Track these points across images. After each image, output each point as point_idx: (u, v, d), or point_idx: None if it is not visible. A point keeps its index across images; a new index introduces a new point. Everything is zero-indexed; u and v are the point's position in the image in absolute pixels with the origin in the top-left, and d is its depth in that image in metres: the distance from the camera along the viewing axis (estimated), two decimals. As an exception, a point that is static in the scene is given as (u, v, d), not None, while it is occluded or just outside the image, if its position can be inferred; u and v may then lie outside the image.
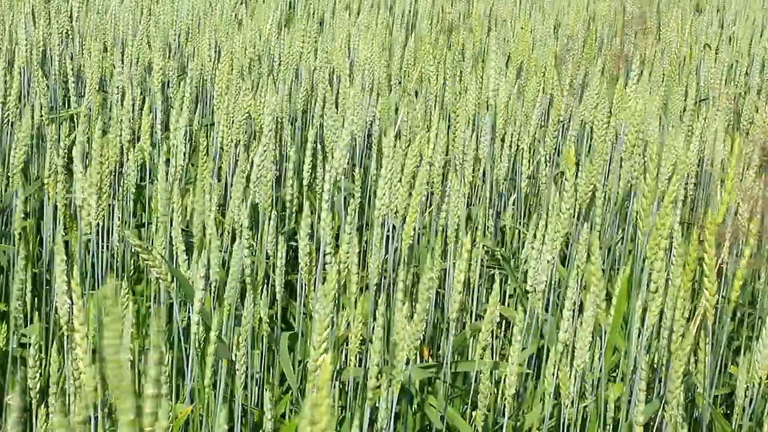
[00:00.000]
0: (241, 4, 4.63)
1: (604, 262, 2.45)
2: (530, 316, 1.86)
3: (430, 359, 2.12)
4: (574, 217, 2.58)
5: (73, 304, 1.13)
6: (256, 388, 1.89)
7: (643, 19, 3.98)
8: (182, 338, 1.71)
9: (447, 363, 1.62)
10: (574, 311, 1.38)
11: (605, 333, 1.45)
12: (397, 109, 3.16)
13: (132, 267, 2.29)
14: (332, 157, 2.09)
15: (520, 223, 2.76)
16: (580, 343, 1.30)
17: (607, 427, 1.53)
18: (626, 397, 1.37)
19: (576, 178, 3.09)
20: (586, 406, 1.65)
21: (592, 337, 1.59)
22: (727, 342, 2.21)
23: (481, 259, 2.25)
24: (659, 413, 1.46)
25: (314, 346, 1.14)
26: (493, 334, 2.10)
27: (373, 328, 1.31)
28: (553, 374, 1.45)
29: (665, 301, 1.38)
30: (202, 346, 1.73)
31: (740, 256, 1.29)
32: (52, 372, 1.41)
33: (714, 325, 1.76)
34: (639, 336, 1.22)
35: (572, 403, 1.64)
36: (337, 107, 2.85)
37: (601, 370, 1.40)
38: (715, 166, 2.44)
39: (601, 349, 1.64)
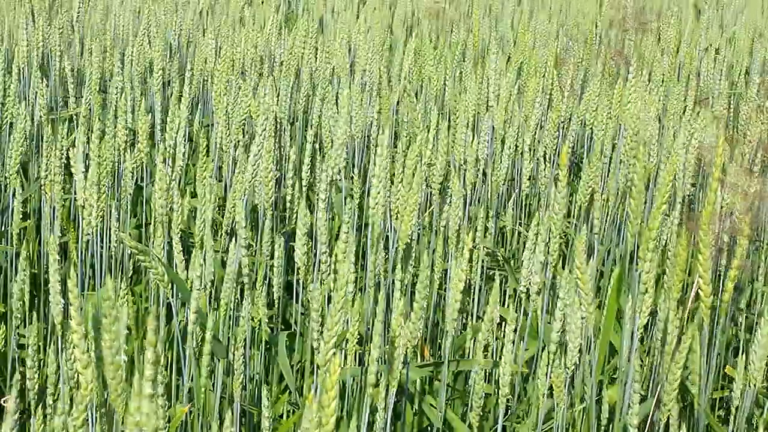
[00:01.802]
0: (249, 5, 4.64)
1: (603, 263, 2.45)
2: (524, 317, 1.86)
3: (431, 359, 2.12)
4: (573, 218, 2.59)
5: (68, 304, 1.13)
6: (256, 388, 1.90)
7: (644, 18, 3.97)
8: (180, 338, 1.71)
9: (446, 363, 1.62)
10: (565, 312, 1.38)
11: (595, 334, 1.45)
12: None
13: (131, 267, 2.29)
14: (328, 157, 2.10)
15: (520, 223, 2.76)
16: (571, 345, 1.30)
17: (601, 428, 1.53)
18: (621, 398, 1.37)
19: (574, 179, 3.10)
20: (583, 408, 1.65)
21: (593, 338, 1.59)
22: (726, 344, 2.21)
23: (482, 260, 2.26)
24: (655, 415, 1.47)
25: (324, 341, 1.13)
26: (493, 334, 2.10)
27: (371, 328, 1.31)
28: (546, 375, 1.46)
29: (657, 301, 1.38)
30: (198, 345, 1.73)
31: (733, 256, 1.29)
32: (50, 373, 1.42)
33: (710, 326, 1.76)
34: (631, 337, 1.22)
35: (571, 404, 1.64)
36: (337, 107, 2.85)
37: (591, 373, 1.40)
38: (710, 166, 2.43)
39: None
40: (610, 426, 1.57)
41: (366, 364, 1.84)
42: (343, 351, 1.78)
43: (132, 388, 0.63)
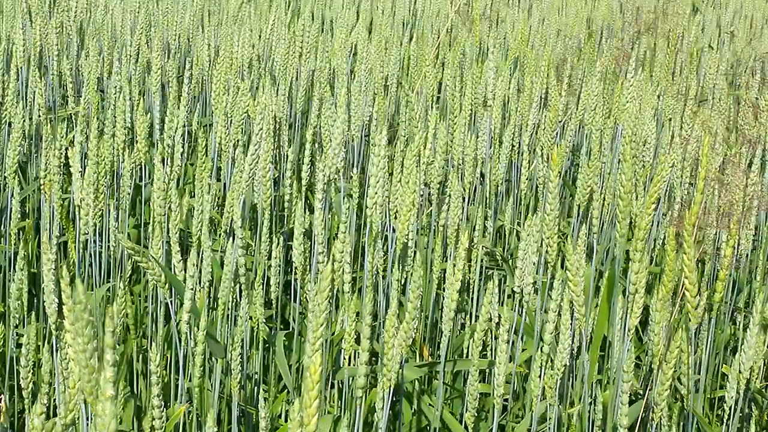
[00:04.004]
0: (248, 2, 4.64)
1: (602, 263, 2.45)
2: (520, 316, 1.86)
3: (430, 358, 2.13)
4: (572, 217, 2.58)
5: (62, 303, 1.13)
6: (254, 387, 1.90)
7: (644, 18, 3.97)
8: (178, 338, 1.72)
9: (443, 363, 1.62)
10: (560, 313, 1.38)
11: (587, 337, 1.45)
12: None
13: (130, 267, 2.30)
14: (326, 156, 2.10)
15: (518, 223, 2.76)
16: (561, 346, 1.30)
17: (596, 428, 1.53)
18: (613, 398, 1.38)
19: (571, 178, 3.10)
20: (578, 410, 1.65)
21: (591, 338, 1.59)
22: (725, 343, 2.21)
23: (481, 260, 2.26)
24: (648, 414, 1.47)
25: (309, 343, 1.14)
26: (491, 334, 2.10)
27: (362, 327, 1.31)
28: (539, 376, 1.46)
29: (648, 301, 1.37)
30: (194, 345, 1.73)
31: (721, 254, 1.29)
32: (44, 372, 1.42)
33: (707, 325, 1.76)
34: (622, 338, 1.22)
35: (571, 404, 1.63)
36: (336, 107, 2.86)
37: (584, 374, 1.40)
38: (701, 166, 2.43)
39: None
40: (605, 426, 1.57)
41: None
42: (342, 350, 1.78)
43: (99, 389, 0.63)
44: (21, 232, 2.36)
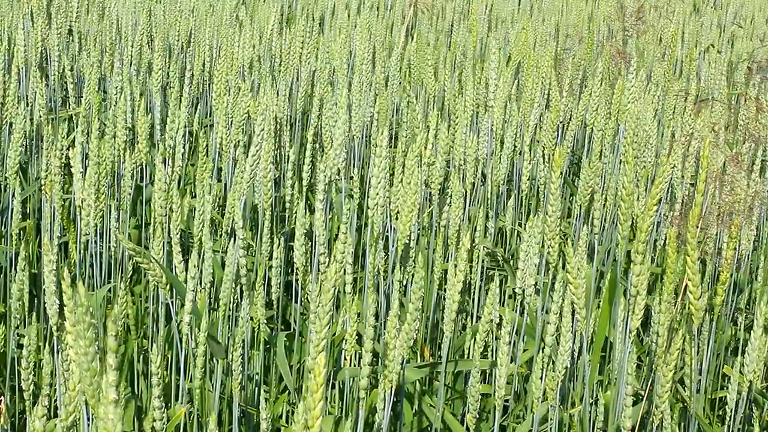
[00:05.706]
0: (242, 3, 4.64)
1: (603, 263, 2.45)
2: (522, 316, 1.86)
3: (431, 359, 2.13)
4: (574, 218, 2.58)
5: (63, 304, 1.13)
6: (255, 388, 1.90)
7: (643, 18, 3.97)
8: (179, 339, 1.71)
9: (444, 363, 1.62)
10: (561, 315, 1.37)
11: (587, 339, 1.44)
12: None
13: (131, 268, 2.30)
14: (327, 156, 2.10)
15: (519, 224, 2.76)
16: (561, 348, 1.30)
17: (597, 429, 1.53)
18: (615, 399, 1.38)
19: (574, 180, 3.10)
20: (578, 412, 1.65)
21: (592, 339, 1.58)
22: (726, 344, 2.21)
23: (482, 260, 2.25)
24: (649, 415, 1.46)
25: (312, 344, 1.14)
26: (492, 335, 2.10)
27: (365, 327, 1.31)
28: (541, 378, 1.45)
29: (651, 302, 1.37)
30: (195, 346, 1.73)
31: (721, 256, 1.29)
32: (45, 374, 1.42)
33: (708, 326, 1.75)
34: (623, 339, 1.22)
35: (572, 404, 1.63)
36: (336, 107, 2.85)
37: (585, 375, 1.40)
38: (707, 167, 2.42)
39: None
40: (606, 427, 1.57)
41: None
42: (343, 351, 1.78)
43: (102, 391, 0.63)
44: (22, 233, 2.36)
